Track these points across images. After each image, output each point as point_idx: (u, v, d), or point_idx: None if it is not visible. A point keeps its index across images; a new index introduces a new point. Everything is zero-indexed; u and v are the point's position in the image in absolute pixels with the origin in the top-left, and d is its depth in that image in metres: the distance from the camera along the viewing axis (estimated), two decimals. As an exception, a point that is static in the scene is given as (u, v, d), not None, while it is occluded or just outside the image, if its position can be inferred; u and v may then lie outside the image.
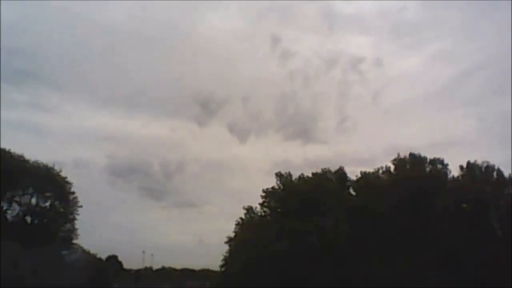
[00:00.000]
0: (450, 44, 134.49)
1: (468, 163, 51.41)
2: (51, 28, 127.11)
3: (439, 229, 44.51)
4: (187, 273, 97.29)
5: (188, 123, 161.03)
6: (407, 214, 46.26)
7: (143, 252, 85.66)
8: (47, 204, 54.08)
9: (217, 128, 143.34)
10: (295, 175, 54.52)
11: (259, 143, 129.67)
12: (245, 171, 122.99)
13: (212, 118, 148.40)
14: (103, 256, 71.12)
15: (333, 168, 54.67)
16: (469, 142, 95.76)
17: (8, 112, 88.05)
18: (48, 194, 53.75)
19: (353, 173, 54.57)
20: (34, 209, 52.94)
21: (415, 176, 49.13)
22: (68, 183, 54.54)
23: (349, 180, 54.17)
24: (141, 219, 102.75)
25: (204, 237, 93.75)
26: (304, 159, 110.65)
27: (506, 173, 50.40)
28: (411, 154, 53.33)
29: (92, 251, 60.79)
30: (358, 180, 53.31)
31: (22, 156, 52.50)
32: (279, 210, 52.97)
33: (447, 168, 52.01)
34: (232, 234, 54.50)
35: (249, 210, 54.77)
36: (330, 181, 53.21)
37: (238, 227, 54.74)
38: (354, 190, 53.70)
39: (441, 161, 52.18)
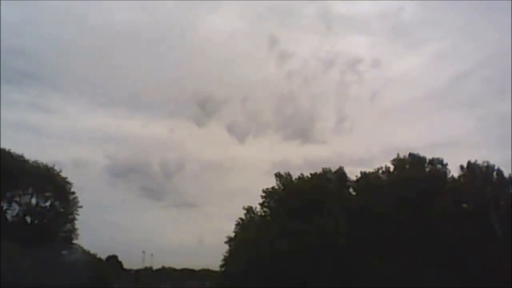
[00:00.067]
0: (449, 44, 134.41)
1: (468, 163, 51.36)
2: (51, 29, 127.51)
3: (439, 229, 44.48)
4: (187, 273, 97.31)
5: (187, 123, 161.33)
6: (407, 214, 46.25)
7: (143, 252, 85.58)
8: (47, 204, 54.16)
9: (216, 128, 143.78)
10: (294, 175, 54.67)
11: (258, 143, 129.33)
12: (244, 171, 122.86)
13: (210, 118, 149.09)
14: (103, 256, 71.25)
15: (333, 168, 54.77)
16: (469, 143, 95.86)
17: (8, 113, 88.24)
18: (48, 194, 53.82)
19: (352, 173, 54.71)
20: (34, 209, 52.99)
21: (415, 176, 49.13)
22: (68, 183, 54.62)
23: (349, 180, 54.17)
24: (141, 219, 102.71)
25: (204, 237, 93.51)
26: (303, 159, 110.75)
27: (506, 173, 50.42)
28: (410, 154, 53.35)
29: (92, 251, 60.91)
30: (358, 180, 53.33)
31: (22, 156, 52.65)
32: (279, 210, 52.97)
33: (447, 168, 52.06)
34: (232, 234, 54.57)
35: (249, 210, 54.81)
36: (330, 181, 53.21)
37: (238, 227, 54.74)
38: (354, 190, 53.70)
39: (441, 161, 52.19)
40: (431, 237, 44.39)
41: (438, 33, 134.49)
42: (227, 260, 54.38)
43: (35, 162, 53.50)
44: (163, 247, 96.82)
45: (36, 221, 53.25)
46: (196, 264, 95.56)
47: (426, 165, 52.27)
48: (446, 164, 52.03)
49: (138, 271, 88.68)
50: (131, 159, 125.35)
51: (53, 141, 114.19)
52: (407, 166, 52.62)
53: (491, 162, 51.34)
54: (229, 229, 55.15)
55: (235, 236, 54.13)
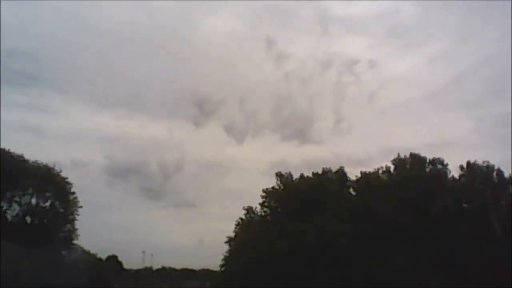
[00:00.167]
0: (447, 45, 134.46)
1: (468, 163, 51.35)
2: (51, 30, 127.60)
3: (439, 229, 44.45)
4: (187, 273, 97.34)
5: (185, 124, 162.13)
6: (407, 214, 46.25)
7: (143, 252, 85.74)
8: (47, 204, 54.11)
9: (214, 129, 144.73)
10: (294, 175, 54.69)
11: (256, 143, 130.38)
12: (242, 172, 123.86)
13: (209, 119, 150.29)
14: (103, 256, 71.41)
15: (332, 169, 54.84)
16: (466, 143, 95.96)
17: (8, 113, 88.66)
18: (48, 194, 53.78)
19: (350, 173, 54.85)
20: (34, 209, 52.95)
21: (415, 176, 49.11)
22: (68, 183, 54.59)
23: (349, 180, 54.20)
24: (141, 219, 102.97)
25: (204, 237, 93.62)
26: (301, 159, 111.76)
27: (507, 173, 50.44)
28: (411, 154, 53.35)
29: (92, 251, 61.08)
30: (358, 180, 53.34)
31: (22, 156, 52.57)
32: (279, 210, 52.98)
33: (447, 168, 52.03)
34: (232, 234, 54.59)
35: (249, 210, 54.81)
36: (331, 181, 53.20)
37: (238, 227, 54.76)
38: (354, 190, 53.70)
39: (441, 161, 52.15)
40: (431, 237, 44.37)
41: (435, 34, 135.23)
42: (227, 260, 54.42)
43: (35, 162, 53.48)
44: (163, 247, 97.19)
45: (36, 221, 53.20)
46: (196, 264, 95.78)
47: (426, 165, 52.25)
48: (447, 164, 52.07)
49: (138, 271, 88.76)
50: (130, 159, 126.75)
51: (53, 141, 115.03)
52: (407, 166, 52.61)
53: (491, 162, 51.51)
54: (229, 229, 55.31)
55: (235, 236, 54.15)
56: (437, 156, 52.65)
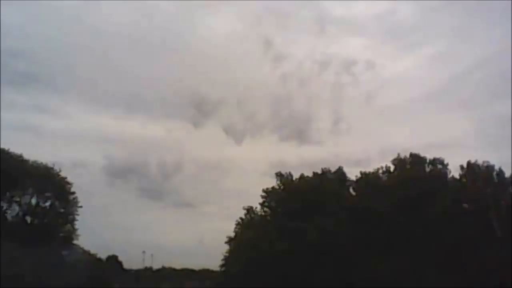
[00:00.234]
0: (445, 46, 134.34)
1: (469, 163, 51.32)
2: (51, 30, 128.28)
3: (439, 229, 44.45)
4: (187, 273, 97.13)
5: (184, 124, 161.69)
6: (407, 214, 46.23)
7: (143, 252, 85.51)
8: (47, 204, 54.17)
9: (212, 129, 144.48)
10: (294, 175, 54.69)
11: (255, 144, 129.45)
12: (241, 172, 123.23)
13: (207, 119, 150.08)
14: (103, 256, 71.24)
15: (331, 169, 54.84)
16: (467, 143, 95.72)
17: (8, 114, 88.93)
18: (48, 194, 53.80)
19: (349, 173, 54.95)
20: (34, 209, 52.99)
21: (415, 176, 49.10)
22: (68, 183, 54.63)
23: (349, 180, 54.23)
24: (141, 219, 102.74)
25: (204, 237, 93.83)
26: (300, 160, 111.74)
27: (507, 174, 50.40)
28: (411, 154, 53.33)
29: (92, 251, 60.99)
30: (358, 180, 53.35)
31: (21, 156, 52.58)
32: (279, 210, 52.99)
33: (447, 168, 52.02)
34: (232, 234, 54.59)
35: (249, 210, 54.81)
36: (331, 181, 53.22)
37: (238, 227, 54.77)
38: (354, 190, 53.74)
39: (441, 161, 52.12)
40: (431, 237, 44.36)
41: (433, 34, 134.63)
42: (227, 260, 54.41)
43: (35, 162, 53.50)
44: (163, 247, 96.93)
45: (36, 221, 53.24)
46: (196, 264, 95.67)
47: (426, 165, 52.22)
48: (447, 164, 52.04)
49: (138, 271, 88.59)
50: (129, 159, 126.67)
51: (52, 141, 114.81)
52: (407, 166, 52.59)
53: (491, 163, 51.47)
54: (229, 229, 55.30)
55: (235, 236, 54.13)
56: (437, 156, 52.80)
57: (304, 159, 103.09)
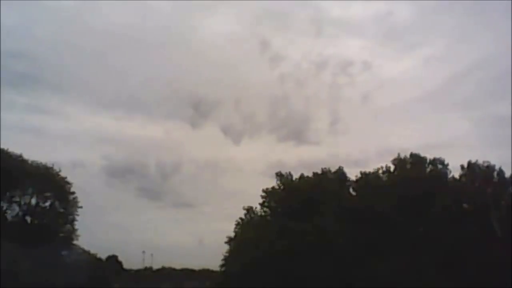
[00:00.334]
0: (443, 46, 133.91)
1: (469, 163, 51.27)
2: (50, 31, 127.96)
3: (439, 229, 44.43)
4: (187, 273, 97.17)
5: (183, 125, 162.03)
6: (407, 214, 46.20)
7: (143, 252, 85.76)
8: (47, 204, 54.11)
9: (211, 129, 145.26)
10: (294, 175, 54.67)
11: (253, 144, 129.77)
12: (240, 172, 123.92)
13: (205, 120, 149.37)
14: (103, 256, 71.35)
15: (331, 169, 54.79)
16: (468, 143, 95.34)
17: (8, 114, 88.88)
18: (48, 194, 53.77)
19: (348, 173, 54.82)
20: (34, 209, 52.97)
21: (415, 176, 49.05)
22: (67, 183, 54.59)
23: (349, 180, 54.20)
24: (140, 219, 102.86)
25: (204, 237, 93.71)
26: (298, 160, 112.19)
27: (507, 173, 50.35)
28: (411, 154, 53.28)
29: (92, 251, 60.92)
30: (358, 180, 53.28)
31: (21, 156, 52.57)
32: (279, 210, 52.99)
33: (447, 168, 51.94)
34: (232, 234, 54.58)
35: (249, 210, 54.82)
36: (330, 181, 53.20)
37: (238, 227, 54.77)
38: (354, 190, 53.69)
39: (441, 161, 52.01)
40: (431, 237, 44.36)
41: (431, 35, 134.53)
42: (227, 260, 54.36)
43: (35, 162, 53.48)
44: (163, 247, 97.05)
45: (36, 221, 53.24)
46: (196, 264, 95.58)
47: (426, 165, 52.16)
48: (447, 164, 51.93)
49: (138, 271, 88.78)
50: (128, 160, 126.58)
51: (52, 142, 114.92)
52: (407, 166, 52.54)
53: (491, 163, 51.43)
54: (229, 229, 55.27)
55: (235, 236, 54.12)
56: (437, 156, 52.76)
57: (302, 159, 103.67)
